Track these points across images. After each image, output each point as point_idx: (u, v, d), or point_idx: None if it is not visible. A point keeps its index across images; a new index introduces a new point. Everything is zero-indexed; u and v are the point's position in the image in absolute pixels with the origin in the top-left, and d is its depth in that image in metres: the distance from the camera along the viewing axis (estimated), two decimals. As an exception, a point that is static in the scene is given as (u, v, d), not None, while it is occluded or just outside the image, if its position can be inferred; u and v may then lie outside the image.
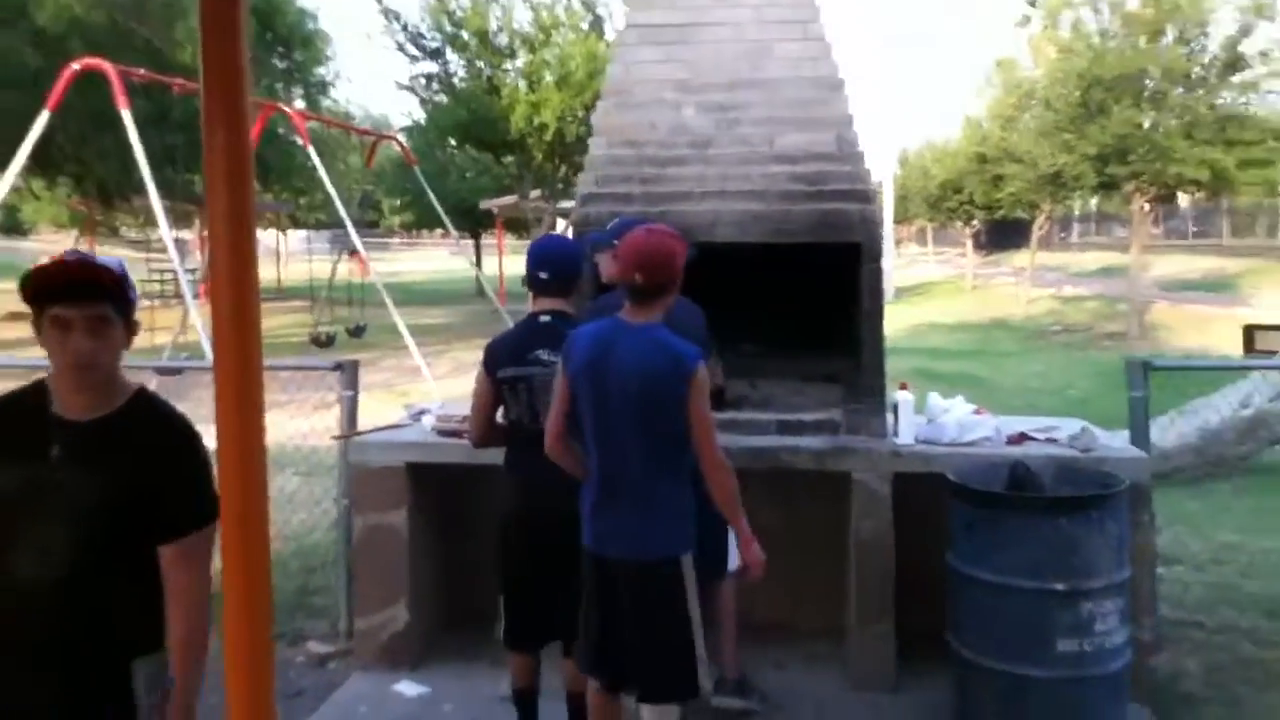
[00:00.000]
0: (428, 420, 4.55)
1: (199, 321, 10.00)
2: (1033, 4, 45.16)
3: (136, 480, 2.11)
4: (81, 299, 2.03)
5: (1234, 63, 16.00)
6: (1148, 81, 16.54)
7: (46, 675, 2.09)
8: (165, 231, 11.48)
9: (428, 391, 11.69)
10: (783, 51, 4.75)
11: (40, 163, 18.40)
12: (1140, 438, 4.51)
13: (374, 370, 14.64)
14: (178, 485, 2.17)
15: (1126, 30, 16.56)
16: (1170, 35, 16.30)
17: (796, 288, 4.91)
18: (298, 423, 6.89)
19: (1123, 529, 3.63)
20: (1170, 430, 7.76)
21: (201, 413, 1.88)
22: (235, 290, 1.22)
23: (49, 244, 40.25)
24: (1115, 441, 4.48)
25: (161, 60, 16.36)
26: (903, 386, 4.50)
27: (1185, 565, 5.64)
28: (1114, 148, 16.54)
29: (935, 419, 4.50)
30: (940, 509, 3.80)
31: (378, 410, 6.80)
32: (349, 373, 4.66)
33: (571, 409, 3.12)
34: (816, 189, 4.44)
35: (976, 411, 4.66)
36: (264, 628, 1.29)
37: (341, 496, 4.75)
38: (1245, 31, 15.71)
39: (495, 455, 3.64)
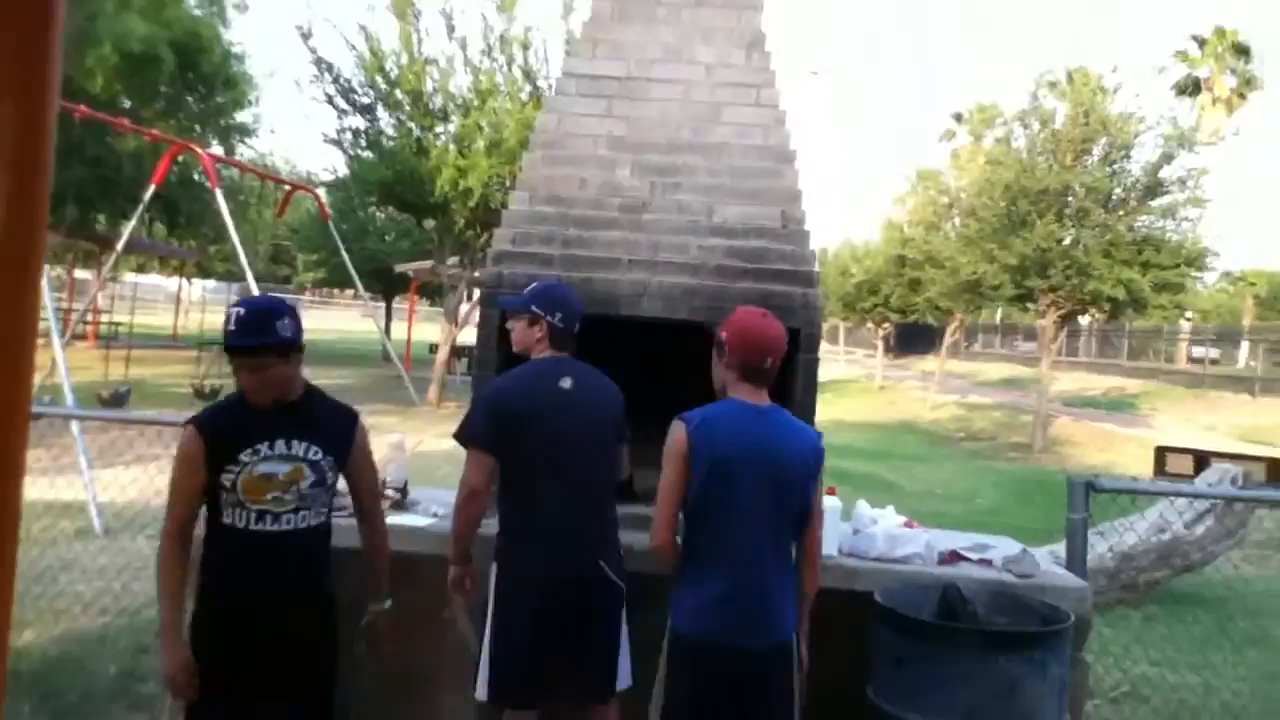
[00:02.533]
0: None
1: (62, 364, 9.23)
2: (958, 119, 46.83)
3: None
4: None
5: (1154, 187, 16.51)
6: (1071, 198, 16.94)
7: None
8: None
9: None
10: (732, 116, 4.41)
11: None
12: (1077, 563, 4.20)
13: (264, 428, 13.84)
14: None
15: (1054, 147, 17.00)
16: (1095, 155, 16.78)
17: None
18: (166, 477, 6.24)
19: (1065, 671, 3.27)
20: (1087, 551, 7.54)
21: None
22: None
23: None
24: (1044, 562, 4.17)
25: (70, 88, 15.59)
26: (829, 491, 4.11)
27: (1102, 700, 5.39)
28: (1035, 260, 16.81)
29: (863, 529, 4.13)
30: (861, 633, 3.39)
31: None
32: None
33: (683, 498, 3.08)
34: (756, 267, 4.09)
35: (907, 523, 4.30)
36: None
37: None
38: (1167, 158, 16.26)
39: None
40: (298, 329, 2.93)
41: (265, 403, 2.92)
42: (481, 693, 3.31)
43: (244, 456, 2.87)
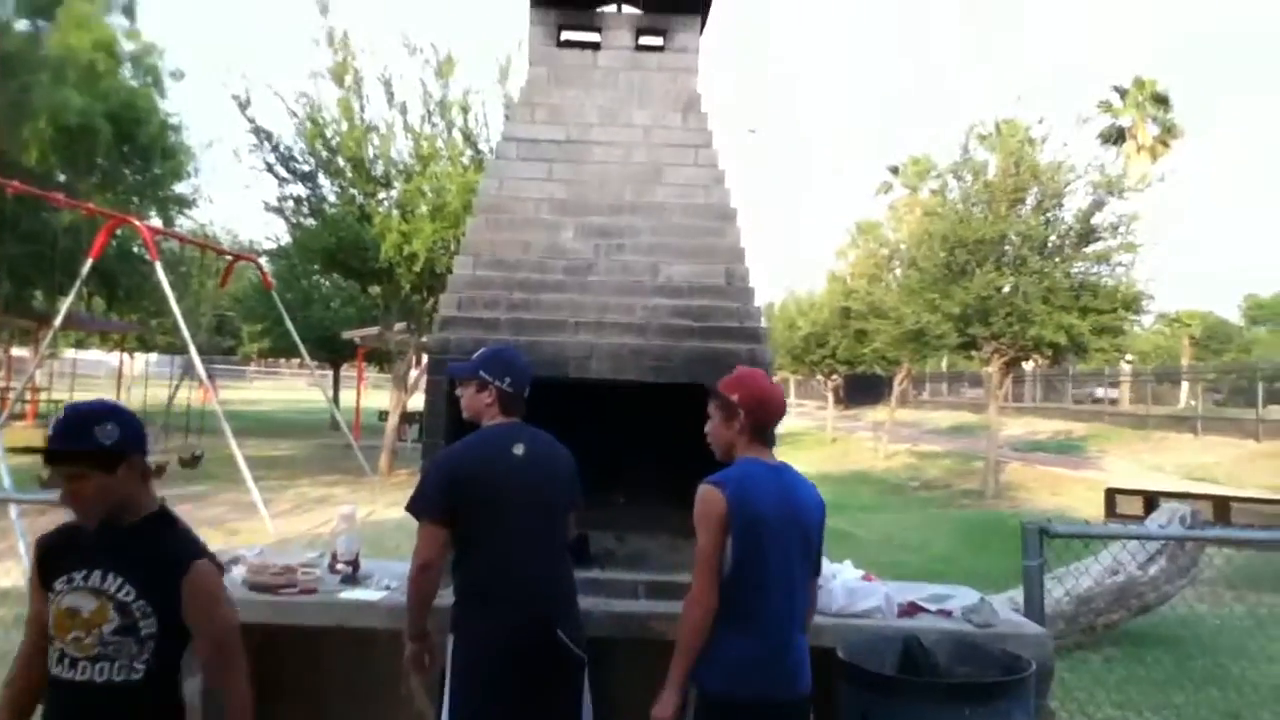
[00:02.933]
0: (238, 571, 3.88)
1: (-1, 447, 8.97)
2: (894, 171, 47.78)
3: None
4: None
5: (1087, 234, 16.90)
6: (1008, 247, 17.27)
7: None
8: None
9: (260, 531, 10.78)
10: (672, 177, 4.45)
11: None
12: (1035, 609, 4.21)
13: (208, 505, 13.52)
14: None
15: (988, 197, 17.36)
16: (1029, 204, 17.16)
17: (675, 432, 4.49)
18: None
19: (1029, 718, 3.25)
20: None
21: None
22: None
23: None
24: (1003, 610, 4.17)
25: (3, 162, 15.37)
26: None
27: (1067, 745, 5.38)
28: (976, 309, 17.07)
29: (823, 584, 4.08)
30: (824, 689, 3.34)
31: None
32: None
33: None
34: (702, 325, 4.08)
35: (865, 577, 4.28)
36: None
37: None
38: (1097, 205, 16.67)
39: (318, 615, 3.07)
40: (128, 437, 2.53)
41: (90, 522, 2.49)
42: None
43: (58, 584, 2.48)
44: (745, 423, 3.17)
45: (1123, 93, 42.67)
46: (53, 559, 2.53)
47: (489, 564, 3.27)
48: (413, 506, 3.31)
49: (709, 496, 3.05)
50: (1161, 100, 42.27)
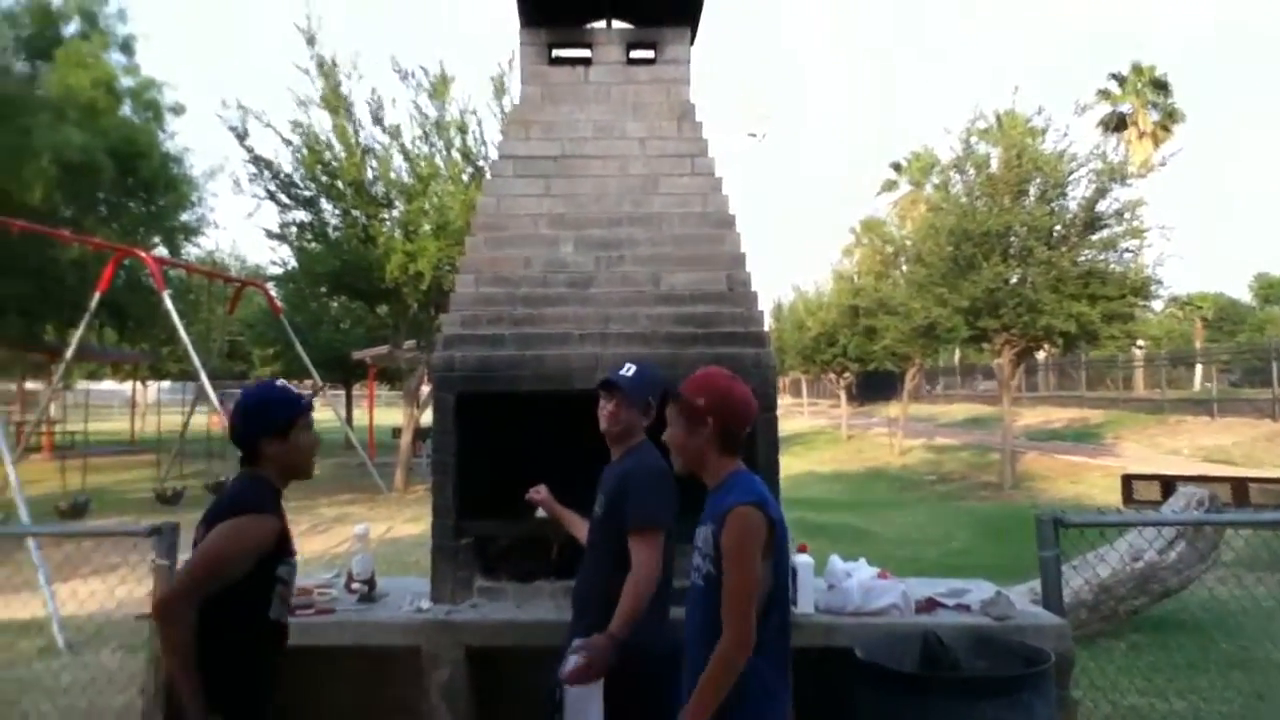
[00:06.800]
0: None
1: (13, 479, 8.99)
2: (897, 168, 47.63)
3: None
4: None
5: (1092, 222, 16.84)
6: (1014, 238, 17.22)
7: None
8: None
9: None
10: (669, 186, 4.46)
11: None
12: (1053, 600, 4.19)
13: (227, 529, 13.57)
14: None
15: (991, 190, 17.32)
16: (1033, 195, 17.11)
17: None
18: (129, 587, 6.08)
19: (1050, 710, 3.24)
20: (1064, 586, 7.54)
21: None
22: None
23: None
24: (1020, 602, 4.16)
25: (8, 202, 15.48)
26: (801, 548, 4.08)
27: (1097, 734, 5.34)
28: (985, 301, 17.02)
29: (837, 584, 4.09)
30: (840, 690, 3.34)
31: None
32: (166, 538, 3.98)
33: None
34: (706, 331, 4.10)
35: (880, 574, 4.27)
36: None
37: (148, 685, 3.97)
38: (1101, 193, 16.61)
39: (335, 636, 3.07)
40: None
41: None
42: None
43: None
44: (715, 431, 2.83)
45: (1121, 80, 42.59)
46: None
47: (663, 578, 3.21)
48: (651, 516, 3.16)
49: (754, 519, 2.68)
50: (1161, 86, 42.21)
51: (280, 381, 3.02)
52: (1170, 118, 42.58)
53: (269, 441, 2.83)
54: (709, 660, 2.64)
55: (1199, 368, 33.80)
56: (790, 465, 24.06)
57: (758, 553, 2.65)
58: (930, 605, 4.11)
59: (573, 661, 2.90)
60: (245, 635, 2.72)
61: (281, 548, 2.78)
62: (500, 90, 17.55)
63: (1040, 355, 27.54)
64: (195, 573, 2.62)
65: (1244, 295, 53.25)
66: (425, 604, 4.06)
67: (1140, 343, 26.85)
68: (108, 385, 51.49)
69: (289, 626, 2.91)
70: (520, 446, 4.48)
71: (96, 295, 13.15)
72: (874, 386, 44.97)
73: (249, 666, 2.74)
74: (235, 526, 2.66)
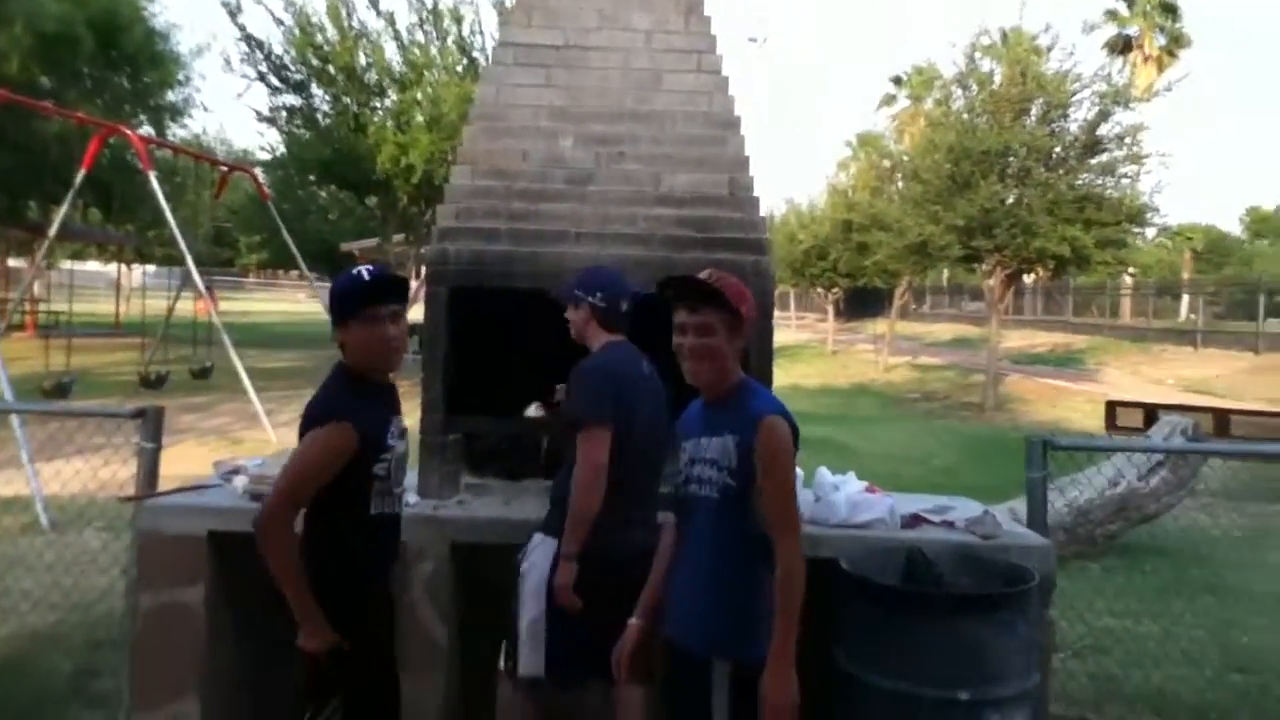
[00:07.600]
0: (240, 481, 3.84)
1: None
2: (898, 82, 46.86)
3: None
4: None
5: (1092, 145, 16.63)
6: (1012, 158, 17.03)
7: None
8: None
9: (264, 441, 10.85)
10: (674, 83, 4.30)
11: None
12: (1038, 521, 4.20)
13: (212, 415, 13.59)
14: None
15: (992, 108, 17.05)
16: (1034, 115, 16.87)
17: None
18: (113, 469, 6.06)
19: (1033, 630, 3.26)
20: (1046, 508, 7.63)
21: None
22: None
23: None
24: (1006, 522, 4.16)
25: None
26: (789, 459, 4.06)
27: (1065, 653, 5.43)
28: (980, 220, 16.89)
29: (825, 496, 4.07)
30: (825, 600, 3.33)
31: (205, 459, 6.04)
32: (151, 421, 3.91)
33: None
34: (705, 236, 4.00)
35: (868, 489, 4.26)
36: None
37: (131, 567, 3.96)
38: (1103, 116, 16.38)
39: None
40: None
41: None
42: (537, 669, 3.20)
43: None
44: (742, 343, 2.78)
45: (1130, 2, 41.74)
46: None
47: (621, 478, 3.18)
48: (580, 409, 3.20)
49: (784, 429, 2.62)
50: (1169, 9, 41.38)
51: (368, 268, 2.87)
52: (1176, 42, 41.92)
53: (342, 329, 2.79)
54: (729, 576, 2.65)
55: (1185, 298, 33.86)
56: (776, 378, 23.92)
57: (790, 463, 2.62)
58: (916, 521, 4.10)
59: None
60: (348, 534, 2.77)
61: (371, 445, 2.75)
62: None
63: (1028, 279, 27.48)
64: (282, 491, 2.66)
65: (1235, 228, 53.20)
66: (412, 498, 4.04)
67: (1130, 270, 26.80)
68: (93, 266, 51.03)
69: (400, 518, 2.97)
70: (512, 345, 4.42)
71: (81, 173, 12.86)
72: (861, 302, 44.99)
73: (355, 565, 2.80)
74: (312, 439, 2.69)
